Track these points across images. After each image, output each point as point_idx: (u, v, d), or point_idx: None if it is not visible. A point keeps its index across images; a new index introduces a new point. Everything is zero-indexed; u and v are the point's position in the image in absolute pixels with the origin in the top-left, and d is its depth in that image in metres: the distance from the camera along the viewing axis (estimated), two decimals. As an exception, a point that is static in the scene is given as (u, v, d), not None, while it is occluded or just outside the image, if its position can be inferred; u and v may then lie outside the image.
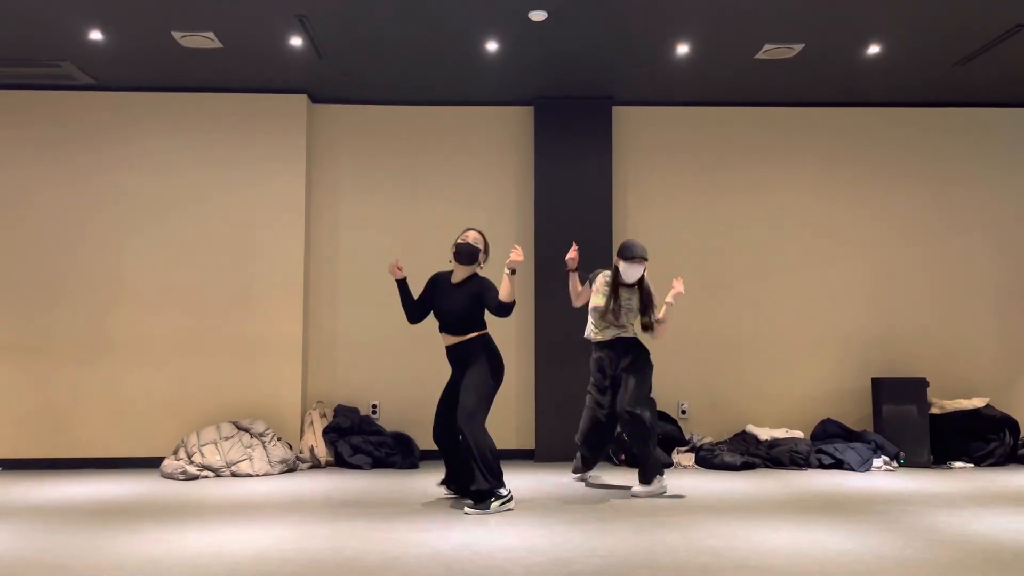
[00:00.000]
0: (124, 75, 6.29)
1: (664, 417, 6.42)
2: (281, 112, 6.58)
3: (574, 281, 5.12)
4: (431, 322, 4.88)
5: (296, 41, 5.64)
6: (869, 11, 5.24)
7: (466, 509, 4.38)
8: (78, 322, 6.38)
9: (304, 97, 6.60)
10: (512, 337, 6.67)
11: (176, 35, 5.52)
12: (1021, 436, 6.45)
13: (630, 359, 5.06)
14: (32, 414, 6.30)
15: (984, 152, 6.96)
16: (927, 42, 5.72)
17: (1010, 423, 6.33)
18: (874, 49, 5.80)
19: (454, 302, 4.65)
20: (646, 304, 5.12)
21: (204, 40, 5.60)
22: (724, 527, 4.02)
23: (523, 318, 6.70)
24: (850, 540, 3.73)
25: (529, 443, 6.59)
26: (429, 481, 5.46)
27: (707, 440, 6.45)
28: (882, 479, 5.58)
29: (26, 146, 6.48)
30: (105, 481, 5.62)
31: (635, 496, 4.91)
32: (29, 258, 6.41)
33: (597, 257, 6.57)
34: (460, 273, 4.72)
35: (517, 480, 5.45)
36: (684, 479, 5.55)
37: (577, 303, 5.20)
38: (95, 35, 5.51)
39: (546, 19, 5.31)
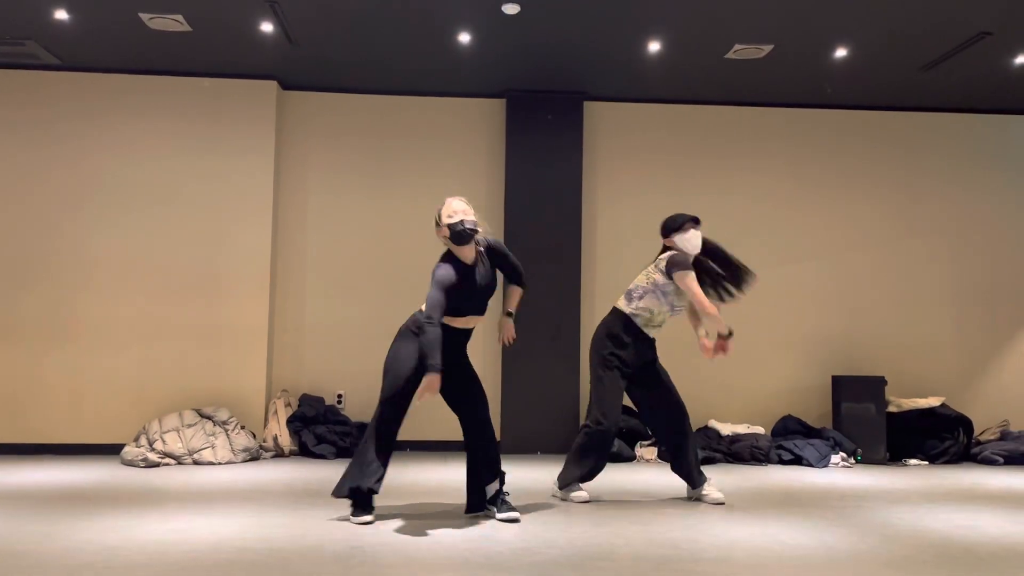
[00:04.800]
0: (90, 56, 6.19)
1: (628, 411, 6.46)
2: (250, 98, 6.52)
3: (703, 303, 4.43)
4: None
5: (266, 26, 5.59)
6: (837, 14, 5.31)
7: (505, 516, 3.95)
8: (39, 306, 6.28)
9: (274, 83, 6.55)
10: (479, 331, 6.65)
11: (144, 16, 5.44)
12: (975, 435, 6.60)
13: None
14: (-11, 398, 6.20)
15: (946, 157, 7.10)
16: (893, 46, 5.81)
17: (964, 422, 6.47)
18: (841, 52, 5.88)
19: (487, 278, 4.01)
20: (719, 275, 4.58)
21: (172, 22, 5.53)
22: (683, 520, 4.07)
23: (490, 310, 6.69)
24: (805, 534, 3.80)
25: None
26: (392, 472, 5.45)
27: (670, 435, 6.50)
28: (839, 475, 5.68)
29: (-13, 125, 6.36)
30: (64, 467, 5.55)
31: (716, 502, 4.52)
32: (-12, 240, 6.30)
33: (566, 250, 6.61)
34: (467, 252, 3.93)
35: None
36: (646, 473, 5.60)
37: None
38: (60, 14, 5.42)
39: (519, 12, 5.32)
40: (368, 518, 3.88)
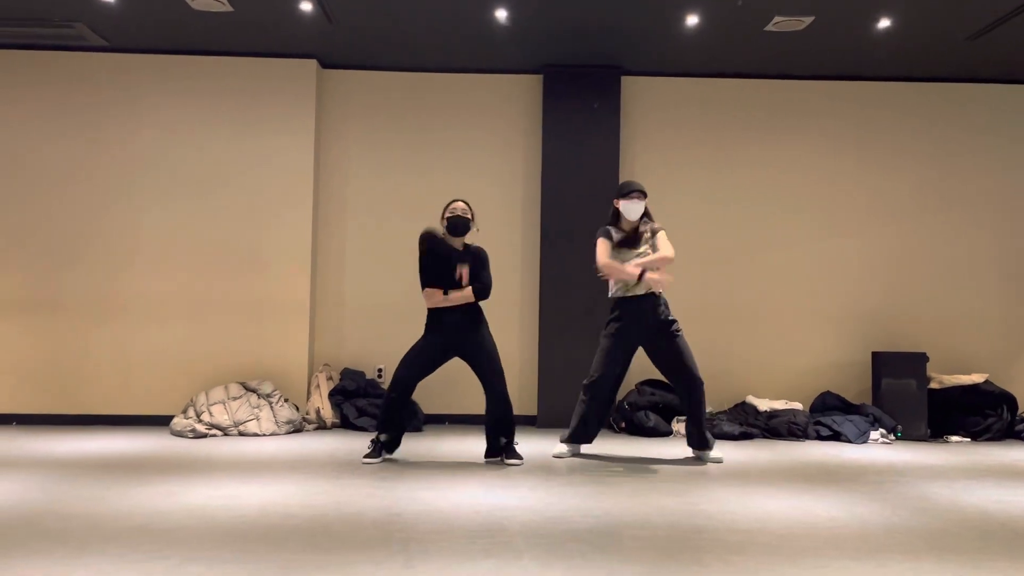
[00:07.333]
0: (135, 37, 6.32)
1: (664, 386, 6.49)
2: (291, 77, 6.61)
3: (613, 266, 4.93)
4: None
5: (306, 6, 5.66)
6: (880, -16, 5.22)
7: (512, 462, 4.86)
8: (89, 281, 6.49)
9: (314, 62, 6.63)
10: (517, 303, 6.75)
11: (187, -2, 5.55)
12: (1019, 412, 6.51)
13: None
14: (43, 371, 6.42)
15: (992, 128, 6.95)
16: (938, 16, 5.70)
17: (1008, 399, 6.38)
18: (884, 23, 5.78)
19: (469, 263, 4.85)
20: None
21: (215, 3, 5.63)
22: (719, 493, 4.10)
23: (528, 285, 6.77)
24: (839, 508, 3.81)
25: (531, 409, 6.68)
26: (432, 444, 5.57)
27: (707, 410, 6.52)
28: (878, 451, 5.66)
29: (38, 106, 6.54)
30: (115, 438, 5.75)
31: (710, 461, 5.05)
32: (41, 217, 6.50)
33: (602, 225, 6.61)
34: (457, 242, 4.91)
35: (519, 445, 5.54)
36: (683, 447, 5.63)
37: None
38: (107, -4, 5.55)
39: (555, -13, 5.31)
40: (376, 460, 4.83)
